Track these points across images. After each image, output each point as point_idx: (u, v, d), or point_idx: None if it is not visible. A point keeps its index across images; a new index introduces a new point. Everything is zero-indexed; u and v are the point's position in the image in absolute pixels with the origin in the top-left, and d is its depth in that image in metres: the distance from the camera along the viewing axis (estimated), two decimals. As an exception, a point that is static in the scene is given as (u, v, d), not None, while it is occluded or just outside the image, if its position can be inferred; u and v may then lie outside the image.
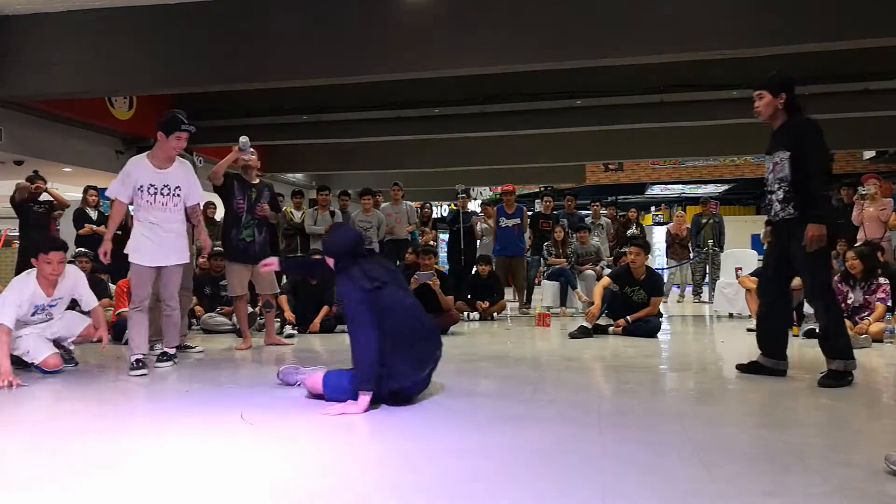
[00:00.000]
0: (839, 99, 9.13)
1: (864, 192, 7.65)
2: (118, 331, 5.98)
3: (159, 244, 4.71)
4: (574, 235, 9.49)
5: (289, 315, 6.74)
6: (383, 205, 9.81)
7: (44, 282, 4.46)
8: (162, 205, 4.72)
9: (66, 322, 4.72)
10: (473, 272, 8.85)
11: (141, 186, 4.68)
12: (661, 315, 6.70)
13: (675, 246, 11.39)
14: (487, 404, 3.48)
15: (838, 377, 3.85)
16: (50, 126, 9.21)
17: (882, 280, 6.06)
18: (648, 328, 6.32)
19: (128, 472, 2.34)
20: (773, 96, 4.08)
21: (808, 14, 5.95)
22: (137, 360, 4.51)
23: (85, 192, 8.93)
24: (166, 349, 4.88)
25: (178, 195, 4.78)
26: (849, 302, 6.03)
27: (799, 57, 8.01)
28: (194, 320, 7.01)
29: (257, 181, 5.87)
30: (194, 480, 2.25)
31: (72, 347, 4.81)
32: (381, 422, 3.08)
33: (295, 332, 6.63)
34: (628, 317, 6.42)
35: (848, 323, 5.76)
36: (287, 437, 2.84)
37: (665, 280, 10.07)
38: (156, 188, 4.70)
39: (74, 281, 4.65)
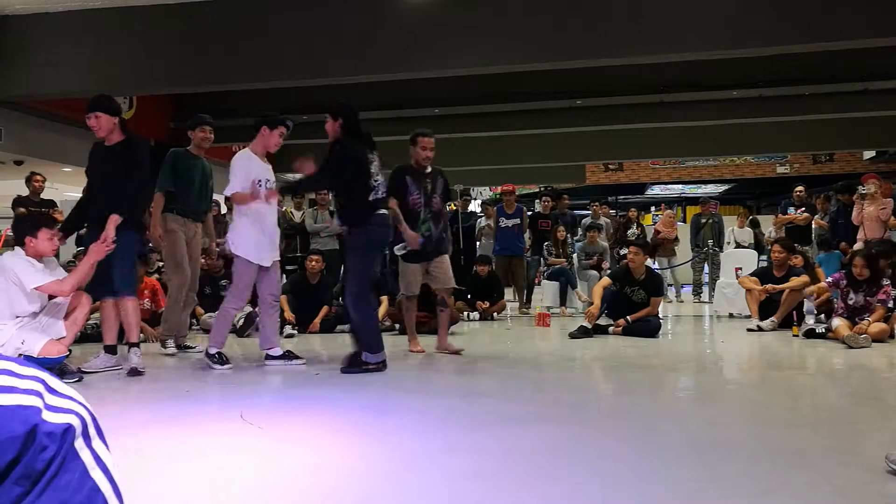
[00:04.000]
0: (839, 99, 9.14)
1: (864, 192, 7.65)
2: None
3: (270, 240, 4.71)
4: (580, 234, 9.52)
5: (289, 315, 6.74)
6: None
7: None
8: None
9: (49, 308, 4.32)
10: (473, 272, 8.85)
11: (259, 181, 4.65)
12: (660, 319, 6.71)
13: (660, 247, 11.37)
14: (487, 404, 3.48)
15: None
16: (50, 126, 9.20)
17: (885, 282, 6.06)
18: (649, 328, 6.32)
19: (127, 472, 2.34)
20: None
21: (808, 14, 5.95)
22: (219, 354, 4.57)
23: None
24: (270, 352, 4.79)
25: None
26: (849, 302, 6.02)
27: (799, 57, 8.02)
28: (194, 320, 7.00)
29: (429, 170, 5.28)
30: (194, 480, 2.25)
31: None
32: (381, 422, 3.08)
33: (295, 332, 6.63)
34: (628, 317, 6.42)
35: (847, 323, 5.77)
36: (287, 436, 2.84)
37: None
38: (269, 182, 4.72)
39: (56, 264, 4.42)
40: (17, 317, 4.15)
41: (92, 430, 0.84)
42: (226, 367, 4.55)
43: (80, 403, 0.81)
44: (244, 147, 4.98)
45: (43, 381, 0.75)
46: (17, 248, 4.24)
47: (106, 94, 4.59)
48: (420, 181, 5.16)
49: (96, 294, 4.62)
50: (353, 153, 4.48)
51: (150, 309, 6.49)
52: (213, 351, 4.61)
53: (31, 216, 4.44)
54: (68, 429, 0.73)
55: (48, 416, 0.71)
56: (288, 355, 4.76)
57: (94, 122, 4.40)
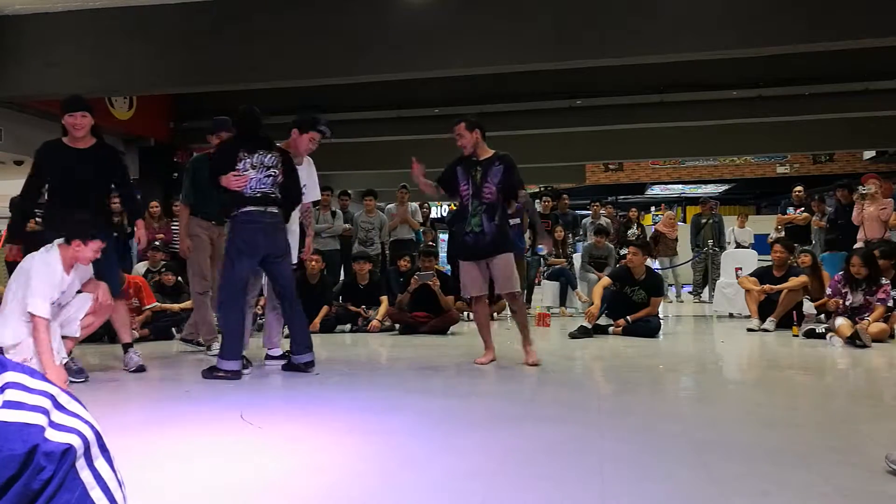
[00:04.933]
0: (839, 99, 9.14)
1: (864, 192, 7.65)
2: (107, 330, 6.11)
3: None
4: (581, 234, 9.51)
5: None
6: (388, 206, 9.83)
7: (66, 265, 4.00)
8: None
9: (74, 303, 4.20)
10: None
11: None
12: (660, 319, 6.72)
13: (660, 245, 11.38)
14: (487, 404, 3.48)
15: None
16: (50, 126, 9.17)
17: (884, 280, 6.06)
18: (649, 328, 6.32)
19: (127, 472, 2.34)
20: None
21: (809, 14, 5.96)
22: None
23: None
24: (270, 352, 4.86)
25: (302, 192, 4.66)
26: (847, 303, 6.02)
27: (799, 57, 8.02)
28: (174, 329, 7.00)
29: (484, 157, 4.75)
30: (194, 480, 2.25)
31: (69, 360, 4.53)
32: (380, 421, 3.08)
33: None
34: (628, 317, 6.42)
35: (849, 322, 5.77)
36: (287, 436, 2.84)
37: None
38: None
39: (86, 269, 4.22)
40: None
41: (95, 450, 0.85)
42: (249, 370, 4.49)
43: (86, 421, 0.81)
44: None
45: (52, 397, 0.75)
46: (54, 247, 3.97)
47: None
48: (469, 170, 4.70)
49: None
50: (226, 147, 4.45)
51: (139, 307, 6.50)
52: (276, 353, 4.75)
53: (91, 221, 4.20)
54: (68, 449, 0.74)
55: (51, 434, 0.71)
56: (287, 356, 4.74)
57: (80, 120, 4.31)
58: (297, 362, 4.39)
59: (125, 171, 4.69)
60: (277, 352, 4.79)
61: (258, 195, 4.23)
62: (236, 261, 4.24)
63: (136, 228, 4.79)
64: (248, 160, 4.29)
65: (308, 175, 4.79)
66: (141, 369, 4.47)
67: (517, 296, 4.88)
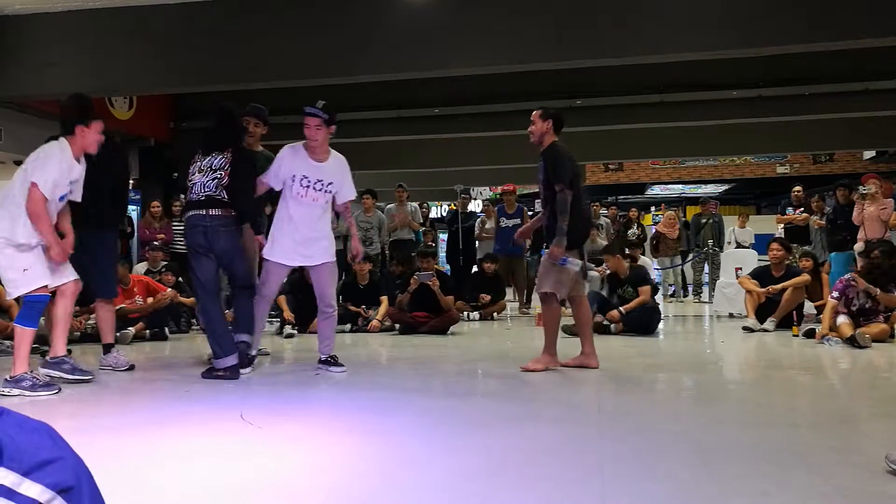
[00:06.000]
0: (839, 99, 9.13)
1: (864, 192, 7.64)
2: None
3: (306, 240, 4.38)
4: None
5: (288, 315, 6.74)
6: (388, 206, 9.83)
7: (76, 153, 3.95)
8: (313, 200, 4.38)
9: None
10: (476, 270, 8.86)
11: (296, 177, 4.35)
12: (658, 311, 6.76)
13: (661, 245, 11.39)
14: (487, 404, 3.48)
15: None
16: (50, 126, 9.15)
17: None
18: (645, 319, 6.39)
19: (127, 471, 2.34)
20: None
21: (809, 14, 5.95)
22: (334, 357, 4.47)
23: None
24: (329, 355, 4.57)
25: (329, 191, 4.44)
26: (853, 308, 5.99)
27: (799, 57, 8.02)
28: (194, 320, 7.00)
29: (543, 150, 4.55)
30: (194, 480, 2.25)
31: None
32: (380, 421, 3.08)
33: (295, 332, 6.62)
34: (621, 308, 6.48)
35: (850, 322, 5.75)
36: (287, 436, 2.84)
37: (658, 281, 10.12)
38: (318, 182, 4.38)
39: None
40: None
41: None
42: (247, 369, 4.30)
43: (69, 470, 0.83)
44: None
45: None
46: (62, 140, 3.93)
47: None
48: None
49: (92, 296, 4.60)
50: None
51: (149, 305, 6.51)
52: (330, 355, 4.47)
53: (85, 102, 4.04)
54: None
55: None
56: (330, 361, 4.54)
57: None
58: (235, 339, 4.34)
59: (128, 173, 4.64)
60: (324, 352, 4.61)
61: (202, 198, 4.28)
62: (195, 264, 4.32)
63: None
64: (198, 164, 4.37)
65: (334, 173, 4.49)
66: (130, 367, 4.52)
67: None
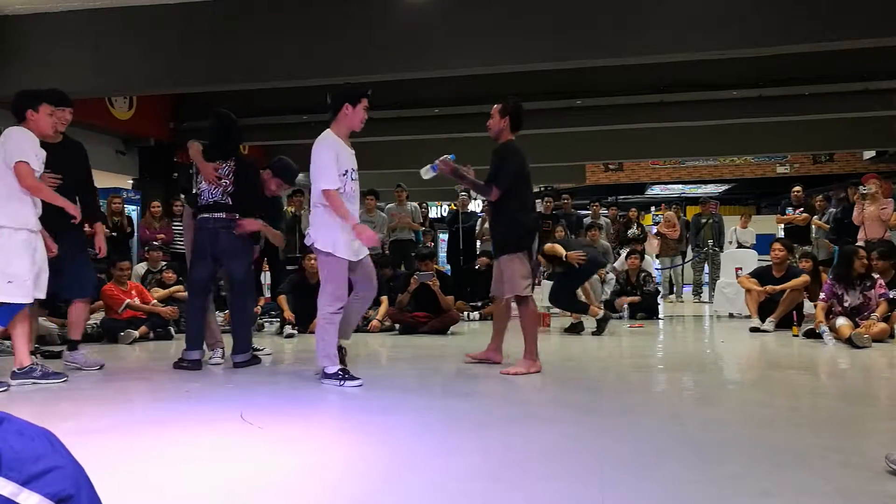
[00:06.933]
0: (839, 99, 9.14)
1: (864, 192, 7.65)
2: (106, 330, 6.21)
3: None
4: (581, 232, 9.54)
5: (288, 315, 6.74)
6: (388, 206, 9.83)
7: (37, 135, 3.95)
8: (353, 191, 4.07)
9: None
10: (466, 267, 8.88)
11: (346, 171, 4.00)
12: (657, 302, 6.95)
13: (662, 245, 11.40)
14: (487, 404, 3.48)
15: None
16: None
17: (875, 275, 6.07)
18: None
19: (126, 471, 2.34)
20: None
21: (808, 14, 5.96)
22: (342, 370, 3.94)
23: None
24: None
25: (356, 179, 4.15)
26: (845, 305, 6.01)
27: (799, 57, 8.02)
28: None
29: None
30: (194, 480, 2.25)
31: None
32: (380, 421, 3.08)
33: (295, 331, 6.62)
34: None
35: (849, 322, 5.76)
36: (287, 436, 2.84)
37: (659, 281, 10.17)
38: (355, 172, 4.10)
39: None
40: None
41: None
42: (356, 381, 3.86)
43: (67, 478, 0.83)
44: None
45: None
46: (18, 126, 3.96)
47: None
48: None
49: (67, 295, 4.57)
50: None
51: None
52: (332, 370, 3.91)
53: (33, 91, 4.08)
54: None
55: None
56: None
57: (69, 116, 4.38)
58: (234, 361, 4.61)
59: (89, 170, 4.63)
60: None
61: (210, 203, 4.60)
62: (194, 263, 4.69)
63: (95, 235, 4.63)
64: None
65: (354, 158, 4.18)
66: (101, 367, 4.56)
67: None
